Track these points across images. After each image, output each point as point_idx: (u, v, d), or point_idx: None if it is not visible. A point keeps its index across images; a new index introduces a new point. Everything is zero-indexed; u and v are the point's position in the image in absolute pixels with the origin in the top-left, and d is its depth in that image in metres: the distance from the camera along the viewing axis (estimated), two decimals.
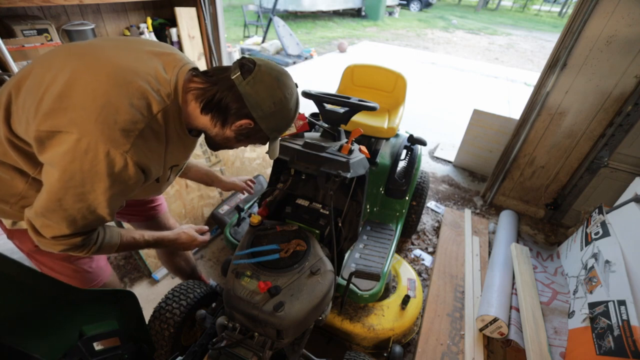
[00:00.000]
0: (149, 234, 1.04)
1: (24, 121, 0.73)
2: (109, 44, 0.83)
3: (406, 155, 2.20)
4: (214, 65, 2.95)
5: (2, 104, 0.77)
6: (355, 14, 13.02)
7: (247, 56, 0.87)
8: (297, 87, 0.90)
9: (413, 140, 2.18)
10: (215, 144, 0.95)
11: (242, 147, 2.32)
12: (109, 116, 0.69)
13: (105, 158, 0.69)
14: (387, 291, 1.72)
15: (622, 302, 1.39)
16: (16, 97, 0.76)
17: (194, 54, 2.81)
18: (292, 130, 1.29)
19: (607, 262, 1.61)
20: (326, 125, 1.38)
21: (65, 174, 0.69)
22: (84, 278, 1.07)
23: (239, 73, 0.80)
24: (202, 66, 2.88)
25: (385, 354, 1.59)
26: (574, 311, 1.65)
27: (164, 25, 2.74)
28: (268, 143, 0.97)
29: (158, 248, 1.10)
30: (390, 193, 2.06)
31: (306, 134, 1.36)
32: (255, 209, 1.91)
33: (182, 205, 2.09)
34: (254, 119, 0.83)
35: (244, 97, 0.80)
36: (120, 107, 0.70)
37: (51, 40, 1.99)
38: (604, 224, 1.81)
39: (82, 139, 0.67)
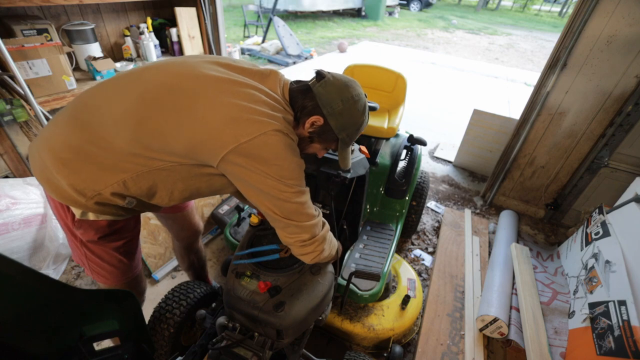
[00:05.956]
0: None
1: (165, 136, 0.84)
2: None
3: (406, 155, 2.19)
4: None
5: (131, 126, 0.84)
6: (355, 14, 13.01)
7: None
8: (365, 96, 1.00)
9: (413, 140, 2.17)
10: None
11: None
12: (274, 114, 0.86)
13: (285, 138, 0.86)
14: (387, 291, 1.72)
15: (622, 302, 1.39)
16: (146, 121, 0.84)
17: (194, 55, 2.81)
18: None
19: (607, 262, 1.61)
20: None
21: (280, 160, 0.84)
22: (126, 268, 1.14)
23: (315, 79, 0.96)
24: None
25: (385, 354, 1.59)
26: (574, 311, 1.65)
27: (164, 25, 2.74)
28: (338, 150, 1.05)
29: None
30: (390, 193, 2.06)
31: None
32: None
33: None
34: (324, 115, 0.95)
35: (317, 97, 0.94)
36: (275, 108, 0.89)
37: (51, 40, 1.99)
38: (604, 224, 1.81)
39: (269, 131, 0.82)
